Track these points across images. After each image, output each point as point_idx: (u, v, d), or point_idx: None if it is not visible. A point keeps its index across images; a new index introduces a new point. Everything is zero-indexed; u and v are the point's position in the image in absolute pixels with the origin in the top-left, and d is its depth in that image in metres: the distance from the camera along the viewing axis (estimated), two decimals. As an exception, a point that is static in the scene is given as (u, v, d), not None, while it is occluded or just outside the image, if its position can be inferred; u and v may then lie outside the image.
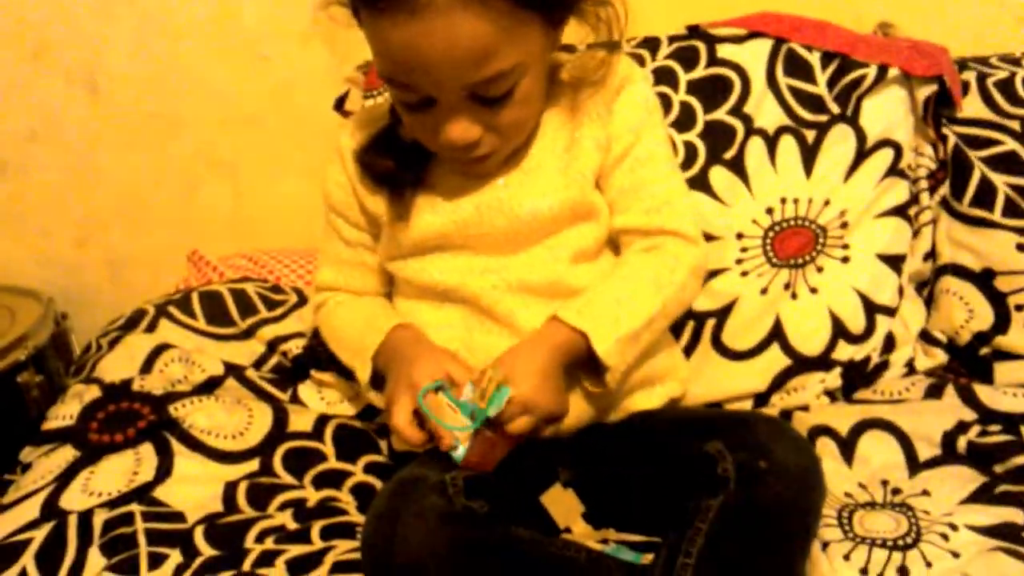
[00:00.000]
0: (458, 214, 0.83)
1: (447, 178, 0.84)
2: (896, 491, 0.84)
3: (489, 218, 0.82)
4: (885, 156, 1.03)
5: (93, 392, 0.95)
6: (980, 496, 0.81)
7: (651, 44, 1.09)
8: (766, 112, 1.04)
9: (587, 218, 0.84)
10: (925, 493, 0.82)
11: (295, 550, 0.78)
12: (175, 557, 0.78)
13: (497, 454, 0.77)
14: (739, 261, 1.02)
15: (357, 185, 0.88)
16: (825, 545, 0.76)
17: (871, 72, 1.03)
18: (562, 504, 0.82)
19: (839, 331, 1.00)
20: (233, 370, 1.00)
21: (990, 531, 0.76)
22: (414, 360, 0.79)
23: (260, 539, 0.80)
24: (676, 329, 0.99)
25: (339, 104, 1.18)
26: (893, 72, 1.03)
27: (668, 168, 0.88)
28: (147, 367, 0.99)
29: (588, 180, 0.84)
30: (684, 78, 1.06)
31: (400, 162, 0.84)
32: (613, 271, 0.85)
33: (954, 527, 0.76)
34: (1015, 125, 1.03)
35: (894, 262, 1.03)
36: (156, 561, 0.77)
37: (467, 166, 0.81)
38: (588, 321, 0.78)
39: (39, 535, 0.79)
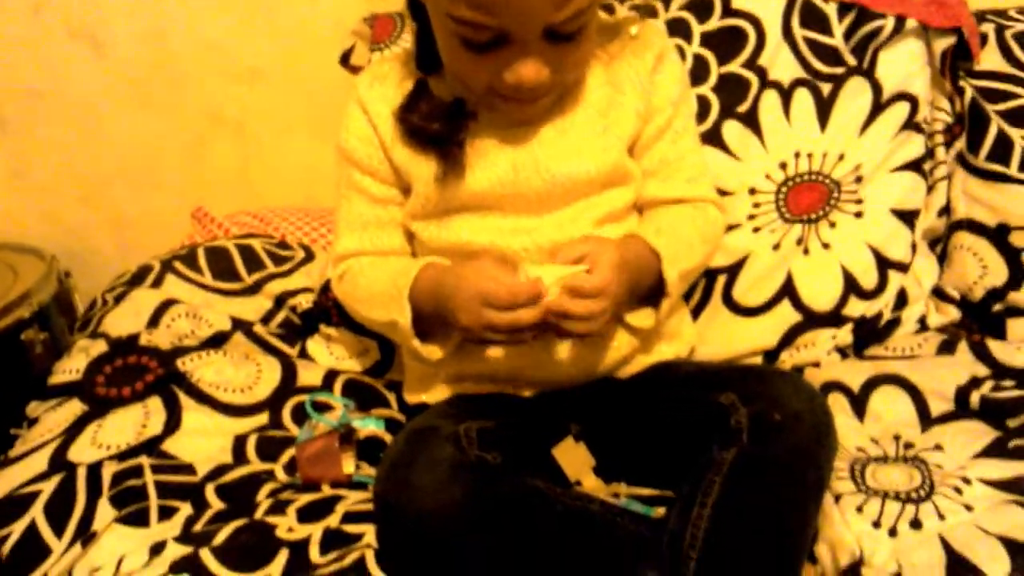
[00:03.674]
0: (495, 173, 0.81)
1: (484, 137, 0.82)
2: (909, 446, 0.83)
3: (525, 177, 0.81)
4: (901, 109, 1.01)
5: (100, 346, 0.94)
6: (993, 450, 0.80)
7: (660, -6, 1.07)
8: (781, 64, 1.02)
9: (620, 183, 0.85)
10: (938, 448, 0.82)
11: (305, 499, 0.78)
12: (185, 509, 0.78)
13: (334, 470, 0.81)
14: (751, 217, 1.00)
15: (386, 140, 0.85)
16: (838, 498, 0.76)
17: (888, 23, 1.01)
18: (573, 457, 0.81)
19: (851, 287, 0.99)
20: (240, 325, 1.00)
21: (1004, 485, 0.75)
22: (457, 284, 0.76)
23: (272, 492, 0.80)
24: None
25: (344, 58, 1.16)
26: (911, 24, 1.01)
27: (697, 139, 0.93)
28: (154, 322, 0.98)
29: (624, 145, 0.84)
30: (698, 30, 1.04)
31: (447, 122, 0.81)
32: (664, 215, 0.87)
33: (967, 481, 0.76)
34: (1033, 79, 1.02)
35: (908, 217, 1.02)
36: (166, 513, 0.77)
37: (518, 111, 0.80)
38: (663, 246, 0.80)
39: (48, 487, 0.79)
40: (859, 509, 0.74)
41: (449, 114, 0.82)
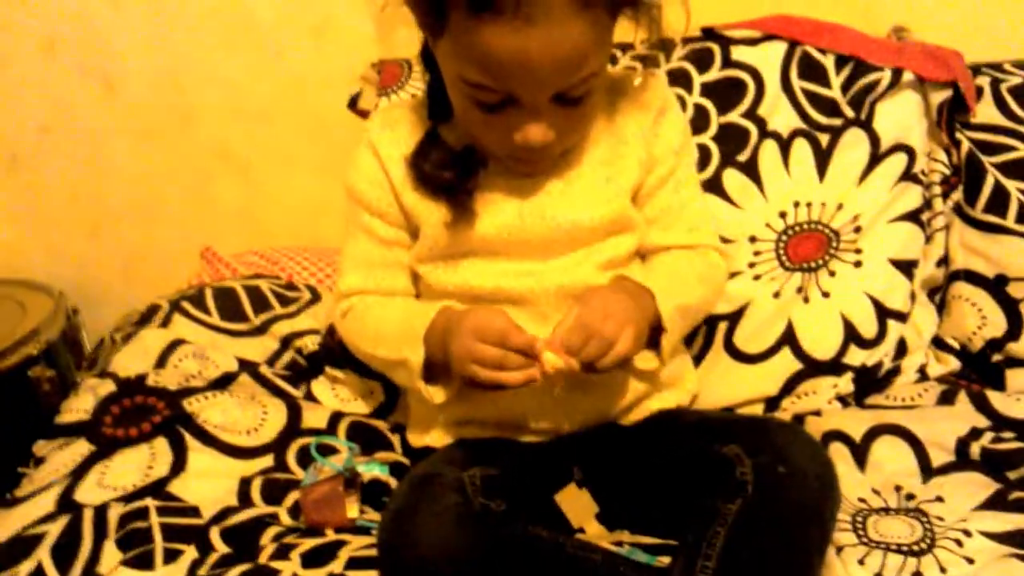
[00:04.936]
0: (502, 220, 0.83)
1: (493, 184, 0.84)
2: (910, 497, 0.84)
3: (531, 224, 0.83)
4: (899, 161, 1.03)
5: (108, 386, 0.95)
6: (994, 503, 0.81)
7: (665, 45, 1.09)
8: (780, 115, 1.04)
9: (623, 231, 0.86)
10: (939, 499, 0.82)
11: (309, 543, 0.79)
12: (190, 552, 0.78)
13: (338, 515, 0.81)
14: (752, 264, 1.02)
15: (396, 183, 0.86)
16: (840, 550, 0.76)
17: (885, 76, 1.03)
18: (576, 504, 0.82)
19: (851, 336, 1.00)
20: (247, 366, 1.00)
21: (1004, 538, 0.76)
22: (458, 319, 0.78)
23: (276, 536, 0.80)
24: (690, 332, 0.99)
25: (352, 102, 1.18)
26: (907, 76, 1.03)
27: (699, 188, 0.95)
28: (161, 362, 0.99)
29: (627, 195, 0.86)
30: (698, 80, 1.07)
31: (459, 171, 0.83)
32: (660, 260, 0.89)
33: (968, 533, 0.77)
34: (1029, 131, 1.04)
35: (906, 267, 1.03)
36: (171, 556, 0.77)
37: (525, 166, 0.82)
38: (653, 283, 0.81)
39: (55, 528, 0.79)
40: (861, 562, 0.75)
41: (460, 162, 0.83)
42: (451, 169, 0.83)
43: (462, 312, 0.79)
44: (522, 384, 0.74)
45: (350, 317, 0.90)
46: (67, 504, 0.82)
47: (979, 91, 1.08)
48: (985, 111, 1.07)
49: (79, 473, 0.86)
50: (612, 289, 0.81)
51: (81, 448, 0.89)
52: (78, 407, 0.93)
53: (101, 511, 0.81)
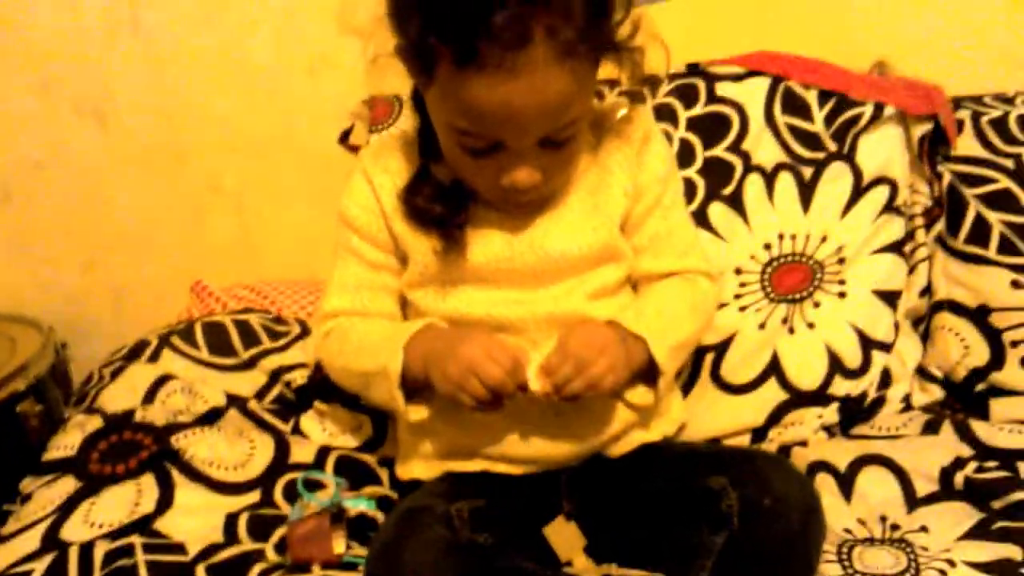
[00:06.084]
0: (491, 250, 0.85)
1: (482, 216, 0.85)
2: (895, 527, 0.84)
3: (520, 253, 0.84)
4: (881, 193, 1.04)
5: (95, 422, 0.95)
6: (978, 532, 0.81)
7: (652, 81, 1.10)
8: (764, 149, 1.06)
9: (612, 260, 0.87)
10: (923, 529, 0.83)
11: (296, 581, 0.79)
12: (176, 589, 0.78)
13: (325, 550, 0.81)
14: (737, 296, 1.03)
15: (388, 211, 0.87)
16: (825, 581, 0.77)
17: (867, 110, 1.05)
18: (564, 537, 0.82)
19: (836, 366, 1.01)
20: (235, 401, 1.01)
21: (988, 567, 0.76)
22: (468, 332, 0.80)
23: (262, 573, 0.80)
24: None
25: (343, 138, 1.20)
26: (889, 111, 1.05)
27: (687, 213, 0.96)
28: (149, 398, 0.99)
29: (615, 224, 0.87)
30: (684, 115, 1.08)
31: (449, 206, 0.84)
32: (651, 293, 0.90)
33: (952, 563, 0.77)
34: (1009, 163, 1.05)
35: (890, 298, 1.04)
36: (157, 593, 0.77)
37: (513, 205, 0.83)
38: (645, 327, 0.81)
39: (40, 567, 0.79)
40: (846, 593, 0.75)
41: (451, 197, 0.85)
42: (442, 204, 0.84)
43: (467, 329, 0.81)
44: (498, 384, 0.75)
45: (332, 336, 0.90)
46: (53, 542, 0.82)
47: (960, 124, 1.09)
48: (966, 144, 1.08)
49: (65, 510, 0.86)
50: (601, 324, 0.82)
51: (67, 485, 0.89)
52: (65, 443, 0.93)
53: (87, 549, 0.81)
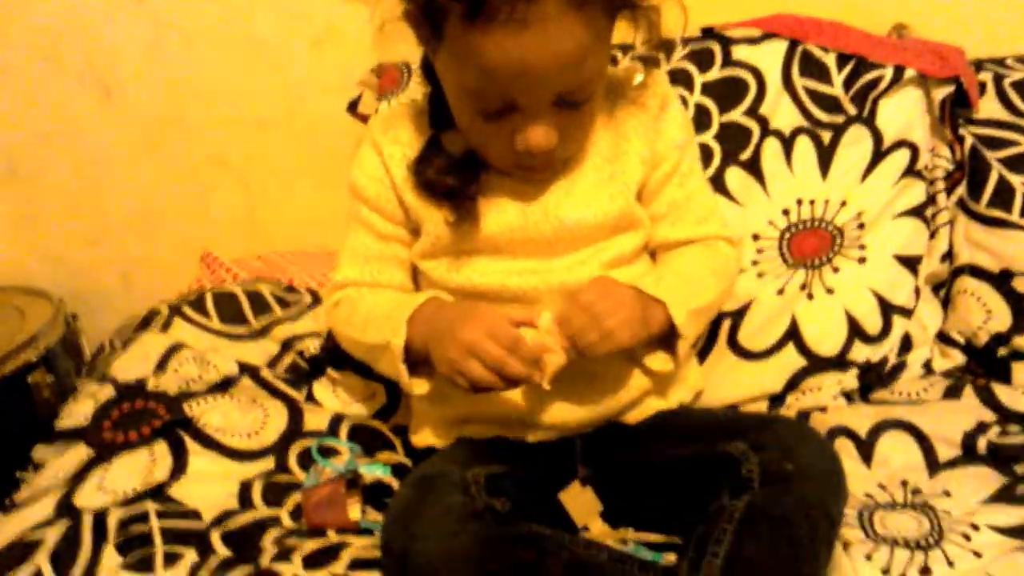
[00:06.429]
0: (505, 220, 0.83)
1: (495, 185, 0.84)
2: (916, 491, 0.83)
3: (535, 223, 0.83)
4: (902, 157, 1.03)
5: (107, 391, 0.94)
6: (1001, 496, 0.80)
7: (666, 46, 1.08)
8: (782, 113, 1.04)
9: (628, 228, 0.86)
10: (946, 494, 0.82)
11: (311, 545, 0.78)
12: (190, 555, 0.77)
13: (340, 517, 0.81)
14: (755, 262, 1.01)
15: (398, 182, 0.86)
16: (846, 546, 0.76)
17: (887, 73, 1.03)
18: (580, 502, 0.81)
19: (855, 332, 1.00)
20: (247, 370, 1.00)
21: (1012, 531, 0.75)
22: (469, 309, 0.78)
23: (277, 538, 0.80)
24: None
25: (352, 107, 1.18)
26: (909, 73, 1.03)
27: (705, 179, 0.95)
28: (161, 366, 0.98)
29: (632, 192, 0.86)
30: (699, 79, 1.06)
31: (459, 178, 0.83)
32: (671, 259, 0.88)
33: (976, 527, 0.76)
34: (1032, 126, 1.03)
35: (911, 263, 1.02)
36: (171, 559, 0.77)
37: (528, 172, 0.82)
38: (665, 291, 0.80)
39: (53, 533, 0.79)
40: (868, 557, 0.74)
41: (462, 167, 0.83)
42: (453, 175, 0.83)
43: (467, 306, 0.79)
44: (510, 387, 0.75)
45: (342, 306, 0.90)
46: (66, 509, 0.81)
47: (982, 87, 1.07)
48: (988, 106, 1.06)
49: (78, 478, 0.85)
50: (620, 282, 0.80)
51: (80, 453, 0.88)
52: (77, 412, 0.93)
53: (100, 516, 0.81)
